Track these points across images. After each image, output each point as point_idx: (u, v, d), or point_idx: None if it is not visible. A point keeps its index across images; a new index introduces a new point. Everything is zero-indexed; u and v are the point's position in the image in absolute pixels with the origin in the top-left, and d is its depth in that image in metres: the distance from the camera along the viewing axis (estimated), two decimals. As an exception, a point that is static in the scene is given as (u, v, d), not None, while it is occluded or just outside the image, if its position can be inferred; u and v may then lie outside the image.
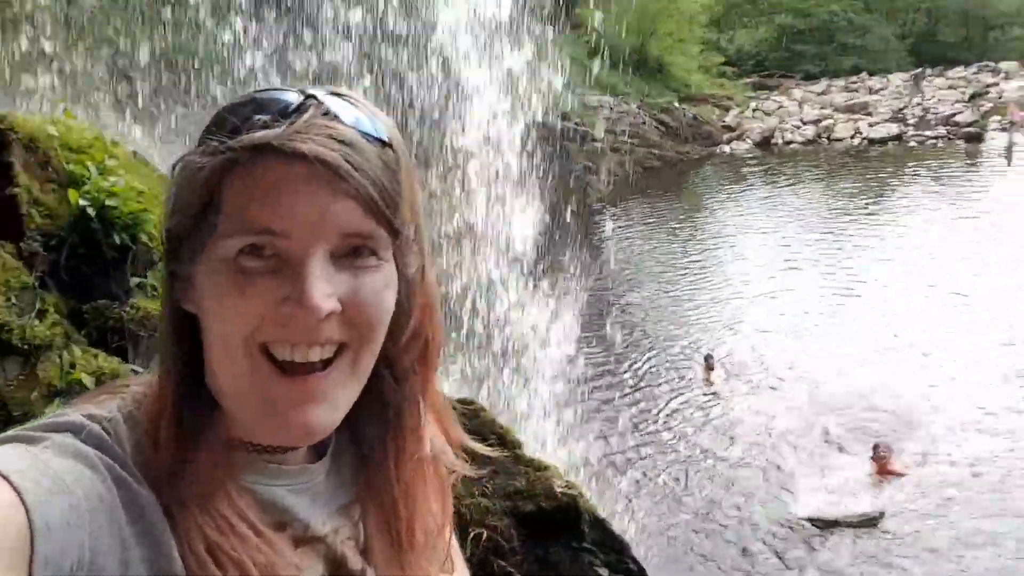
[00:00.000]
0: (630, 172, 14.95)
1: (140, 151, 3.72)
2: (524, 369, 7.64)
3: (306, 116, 0.63)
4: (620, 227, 14.88)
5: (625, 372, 9.88)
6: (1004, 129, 20.27)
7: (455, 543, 0.89)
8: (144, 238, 2.91)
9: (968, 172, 18.06)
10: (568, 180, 11.23)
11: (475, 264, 7.63)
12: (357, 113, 0.66)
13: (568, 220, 11.03)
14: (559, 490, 3.12)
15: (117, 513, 0.59)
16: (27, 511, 0.52)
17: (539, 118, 8.50)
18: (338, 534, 0.76)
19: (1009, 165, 18.23)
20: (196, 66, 9.59)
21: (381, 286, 0.67)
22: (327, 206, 0.63)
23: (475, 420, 3.12)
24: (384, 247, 0.67)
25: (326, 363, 0.65)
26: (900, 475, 7.41)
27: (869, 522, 6.96)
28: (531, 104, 8.24)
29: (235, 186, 0.63)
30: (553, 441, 7.02)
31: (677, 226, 15.63)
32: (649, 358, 10.22)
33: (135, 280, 2.76)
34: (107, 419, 0.64)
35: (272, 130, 0.62)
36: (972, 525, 6.74)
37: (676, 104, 21.01)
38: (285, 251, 0.63)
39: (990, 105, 21.13)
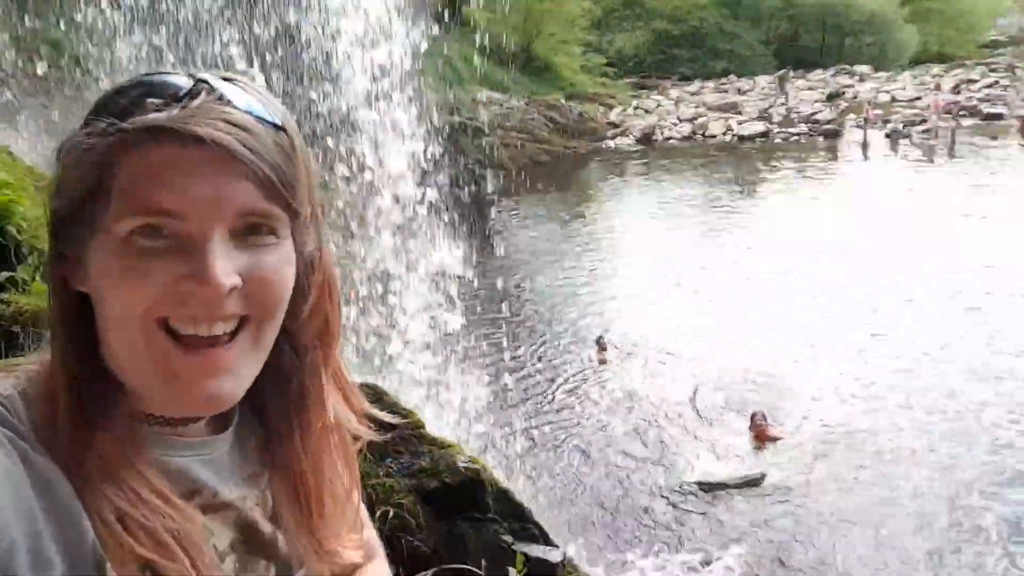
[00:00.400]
0: (521, 166, 15.25)
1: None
2: (421, 355, 7.71)
3: (199, 100, 0.64)
4: (513, 219, 15.15)
5: (522, 356, 10.13)
6: (859, 127, 22.08)
7: (363, 508, 0.92)
8: (13, 231, 2.78)
9: (828, 165, 19.59)
10: (461, 174, 11.35)
11: (370, 257, 7.62)
12: (249, 98, 0.67)
13: (462, 213, 11.16)
14: (462, 466, 3.22)
15: (24, 488, 0.58)
16: None
17: (430, 113, 8.57)
18: (247, 501, 0.76)
19: (865, 159, 19.90)
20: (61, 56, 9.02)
21: (280, 262, 0.68)
22: (224, 187, 0.63)
23: (377, 403, 3.18)
24: (282, 226, 0.68)
25: (229, 336, 0.66)
26: (776, 439, 8.01)
27: (751, 483, 7.51)
28: (420, 99, 8.29)
29: (127, 167, 0.63)
30: (453, 421, 7.12)
31: (567, 217, 16.08)
32: (544, 341, 10.52)
33: (3, 275, 2.64)
34: (4, 396, 0.64)
35: (165, 113, 0.63)
36: (843, 482, 7.43)
37: (563, 101, 21.59)
38: (184, 232, 0.63)
39: (846, 105, 22.94)
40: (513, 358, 9.84)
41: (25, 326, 2.51)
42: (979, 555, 6.33)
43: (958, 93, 24.57)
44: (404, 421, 3.21)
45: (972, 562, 6.28)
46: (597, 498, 7.44)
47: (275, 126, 0.67)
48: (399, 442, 3.18)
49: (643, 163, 20.35)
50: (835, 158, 20.23)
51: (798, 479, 7.50)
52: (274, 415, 0.78)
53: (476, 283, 10.73)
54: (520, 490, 6.43)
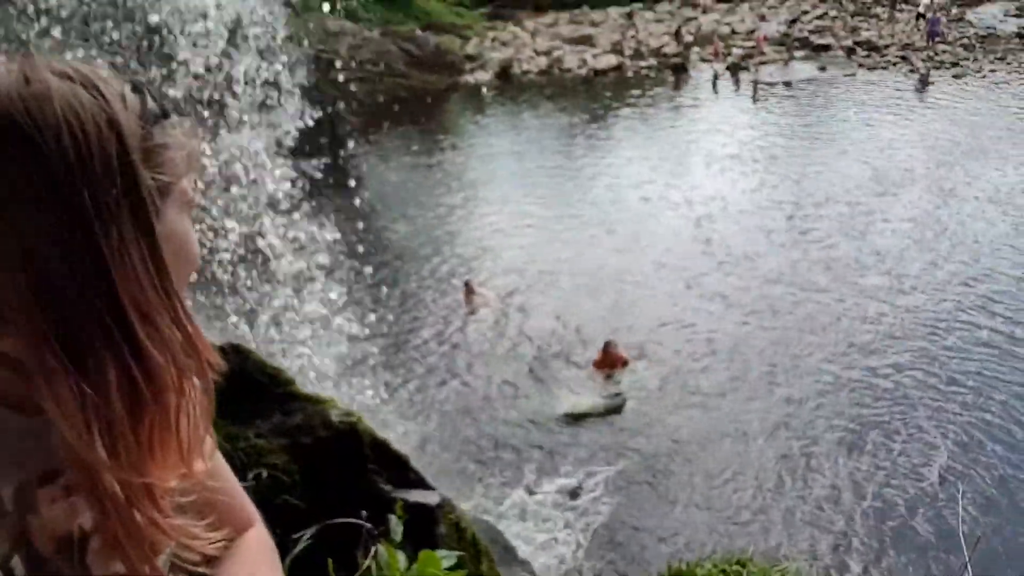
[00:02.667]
0: (378, 102, 14.81)
1: None
2: (287, 309, 7.53)
3: None
4: (371, 158, 14.80)
5: (389, 299, 10.11)
6: (704, 60, 23.08)
7: (231, 474, 0.94)
8: None
9: (676, 97, 20.45)
10: (314, 111, 10.86)
11: (225, 207, 7.24)
12: None
13: (320, 153, 10.78)
14: (337, 419, 3.23)
15: None
16: None
17: (276, 46, 8.09)
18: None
19: (715, 93, 20.87)
20: None
21: None
22: None
23: (247, 363, 3.11)
24: None
25: None
26: (627, 363, 8.56)
27: (613, 411, 8.04)
28: (264, 31, 7.81)
29: None
30: (328, 373, 7.08)
31: (428, 155, 15.91)
32: (411, 284, 10.54)
33: None
34: None
35: None
36: (685, 397, 8.12)
37: (419, 32, 20.99)
38: None
39: (691, 38, 23.83)
40: (377, 301, 9.81)
41: None
42: (822, 457, 7.20)
43: (792, 25, 26.10)
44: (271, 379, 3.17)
45: (822, 458, 7.14)
46: (471, 436, 7.72)
47: None
48: (269, 401, 3.15)
49: (502, 98, 20.35)
50: (681, 92, 21.12)
51: (655, 402, 8.12)
52: None
53: (334, 225, 10.49)
54: (397, 435, 6.57)
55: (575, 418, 7.89)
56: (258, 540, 0.95)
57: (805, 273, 10.61)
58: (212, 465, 0.88)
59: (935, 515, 6.32)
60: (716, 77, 21.50)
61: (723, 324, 9.48)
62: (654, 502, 6.79)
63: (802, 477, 6.93)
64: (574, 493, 6.89)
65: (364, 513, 1.99)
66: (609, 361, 8.50)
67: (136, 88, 0.72)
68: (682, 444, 7.48)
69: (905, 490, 6.67)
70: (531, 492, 6.88)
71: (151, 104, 0.72)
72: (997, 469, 6.77)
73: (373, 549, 1.87)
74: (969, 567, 1.93)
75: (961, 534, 4.36)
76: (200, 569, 0.84)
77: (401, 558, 1.84)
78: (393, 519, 1.91)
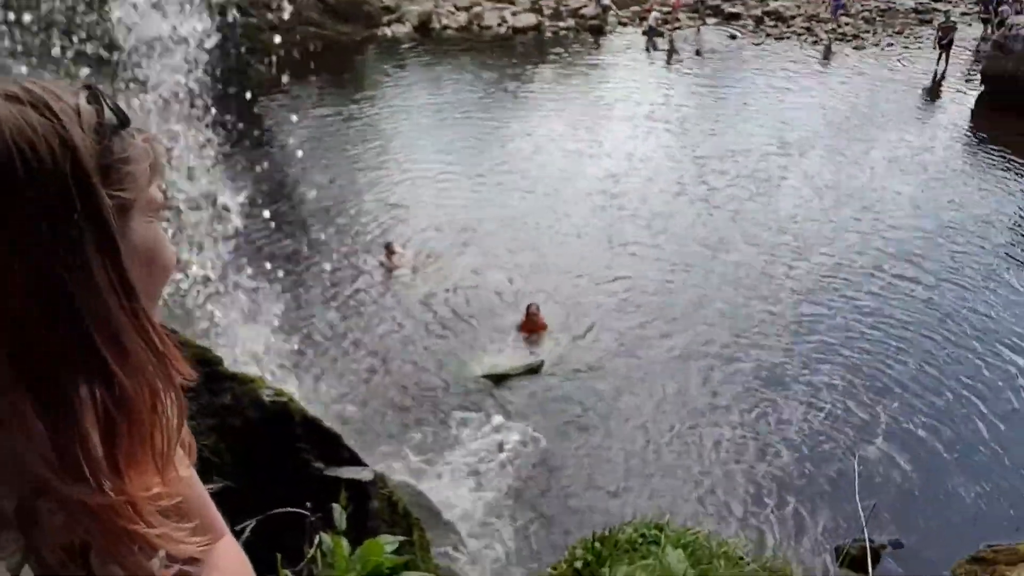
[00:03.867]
0: (291, 53, 14.19)
1: None
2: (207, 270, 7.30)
3: None
4: (283, 112, 14.26)
5: (304, 263, 9.90)
6: (624, 24, 23.19)
7: (204, 491, 0.95)
8: None
9: (594, 58, 20.54)
10: (227, 62, 10.35)
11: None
12: None
13: (233, 106, 10.31)
14: (268, 399, 3.21)
15: None
16: None
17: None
18: None
19: (648, 53, 20.98)
20: None
21: None
22: None
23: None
24: None
25: None
26: (545, 328, 8.75)
27: (532, 370, 8.23)
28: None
29: None
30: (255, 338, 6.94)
31: (344, 109, 15.45)
32: (328, 243, 10.33)
33: None
34: None
35: None
36: (602, 354, 8.41)
37: (332, -20, 20.10)
38: None
39: (609, 1, 23.83)
40: (290, 268, 9.59)
41: None
42: (732, 415, 7.63)
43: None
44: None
45: (741, 398, 7.56)
46: (392, 398, 7.75)
47: None
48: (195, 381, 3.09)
49: (420, 52, 19.87)
50: (599, 52, 21.22)
51: (573, 361, 8.36)
52: None
53: (248, 186, 10.16)
54: (324, 408, 6.52)
55: (496, 379, 8.04)
56: (233, 548, 0.97)
57: (716, 230, 11.07)
58: (188, 474, 0.90)
59: (839, 472, 6.85)
60: (650, 37, 21.62)
61: (639, 280, 9.80)
62: (574, 459, 7.05)
63: (713, 435, 7.34)
64: (496, 450, 7.07)
65: (308, 504, 2.01)
66: (532, 323, 8.66)
67: (92, 98, 0.70)
68: (599, 402, 7.76)
69: (811, 447, 7.19)
70: (453, 450, 7.02)
71: (108, 115, 0.70)
72: (900, 423, 7.39)
73: (317, 538, 1.91)
74: (866, 530, 2.14)
75: (858, 496, 4.74)
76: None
77: (345, 545, 1.89)
78: (337, 509, 1.95)
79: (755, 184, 12.56)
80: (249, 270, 8.40)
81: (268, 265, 8.87)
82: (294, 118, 13.32)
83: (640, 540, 2.87)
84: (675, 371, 8.22)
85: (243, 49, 13.26)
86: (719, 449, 7.17)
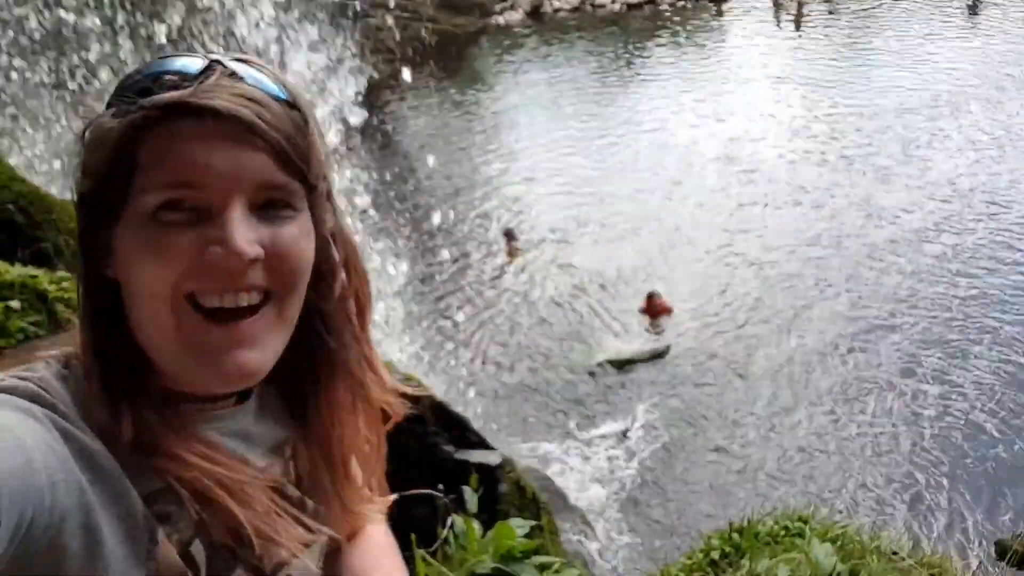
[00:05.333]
0: (406, 48, 14.55)
1: None
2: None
3: (213, 77, 0.66)
4: (408, 107, 14.64)
5: (426, 252, 10.12)
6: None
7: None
8: None
9: (716, 29, 19.70)
10: (348, 56, 10.73)
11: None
12: (260, 75, 0.69)
13: (353, 99, 10.67)
14: (397, 379, 3.29)
15: (69, 462, 0.60)
16: None
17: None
18: (274, 468, 0.79)
19: (776, 15, 19.94)
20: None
21: (298, 235, 0.70)
22: (241, 158, 0.66)
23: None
24: (298, 199, 0.70)
25: (253, 309, 0.68)
26: (670, 311, 8.50)
27: (658, 356, 8.04)
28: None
29: (148, 145, 0.65)
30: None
31: (462, 101, 15.66)
32: (450, 235, 10.51)
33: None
34: (38, 378, 0.65)
35: (182, 90, 0.65)
36: (729, 342, 8.07)
37: (446, -27, 20.40)
38: (205, 202, 0.65)
39: None
40: (413, 255, 9.81)
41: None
42: (870, 405, 7.13)
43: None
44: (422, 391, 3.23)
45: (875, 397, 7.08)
46: (515, 383, 7.80)
47: (288, 103, 0.70)
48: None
49: (533, 38, 19.82)
50: (719, 22, 20.32)
51: (699, 348, 8.09)
52: (304, 387, 0.81)
53: (367, 179, 10.46)
54: (448, 392, 6.65)
55: (620, 364, 7.91)
56: (381, 529, 1.00)
57: (862, 199, 10.34)
58: None
59: (997, 462, 6.26)
60: (778, 5, 20.53)
61: (771, 258, 9.31)
62: (702, 448, 6.83)
63: (855, 425, 6.88)
64: (621, 437, 6.96)
65: (440, 486, 2.02)
66: (653, 310, 8.46)
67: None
68: (729, 389, 7.47)
69: (965, 436, 6.59)
70: (578, 437, 6.98)
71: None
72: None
73: (449, 520, 1.91)
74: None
75: None
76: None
77: (476, 527, 1.89)
78: (468, 491, 1.95)
79: (902, 145, 11.60)
80: (375, 258, 8.67)
81: (390, 253, 9.13)
82: (412, 111, 13.66)
83: (783, 532, 2.70)
84: (811, 356, 7.77)
85: (361, 47, 13.71)
86: (863, 439, 6.72)
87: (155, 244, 0.65)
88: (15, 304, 1.89)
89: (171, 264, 0.65)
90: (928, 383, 7.18)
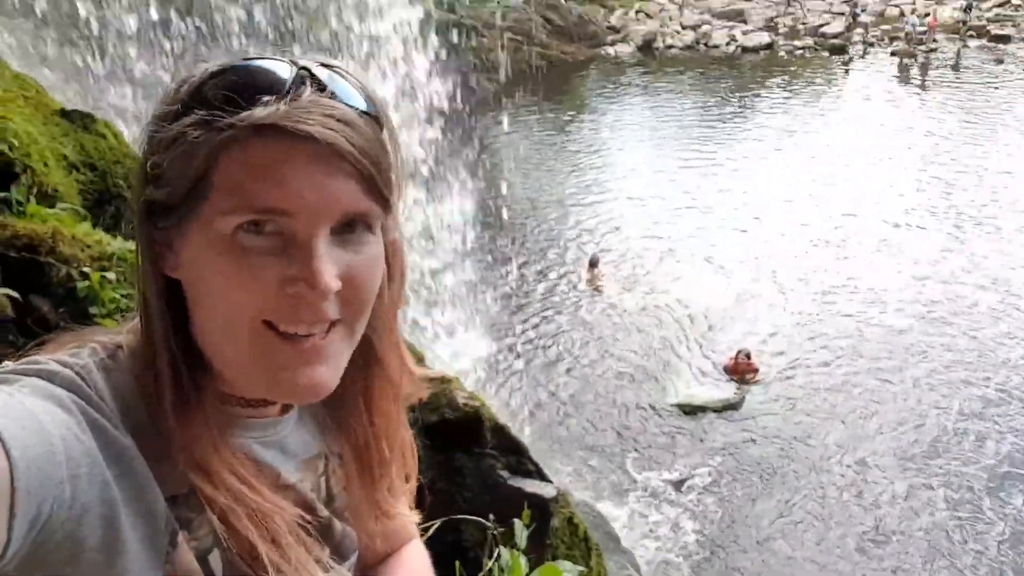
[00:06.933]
0: (516, 71, 14.78)
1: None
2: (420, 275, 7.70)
3: (305, 94, 0.63)
4: (510, 128, 14.84)
5: (512, 272, 10.16)
6: (870, 44, 21.33)
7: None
8: (4, 148, 2.67)
9: (834, 81, 19.14)
10: (458, 78, 10.97)
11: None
12: (350, 88, 0.66)
13: (460, 119, 10.89)
14: (462, 401, 3.25)
15: (94, 454, 0.59)
16: (5, 447, 0.51)
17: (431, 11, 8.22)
18: (305, 483, 0.78)
19: (900, 74, 19.25)
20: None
21: (373, 262, 0.68)
22: (330, 186, 0.63)
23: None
24: (378, 222, 0.68)
25: (324, 331, 0.67)
26: (756, 371, 8.16)
27: (731, 407, 7.76)
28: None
29: (233, 162, 0.62)
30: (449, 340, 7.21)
31: (563, 128, 15.76)
32: (536, 258, 10.54)
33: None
34: (80, 365, 0.64)
35: (274, 108, 0.61)
36: (808, 404, 7.71)
37: (563, 0, 20.73)
38: (289, 230, 0.63)
39: (870, 20, 22.06)
40: (496, 276, 9.86)
41: (21, 251, 2.45)
42: (952, 487, 6.67)
43: (968, 11, 23.79)
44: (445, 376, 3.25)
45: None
46: (579, 415, 7.68)
47: (374, 118, 0.67)
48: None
49: (642, 73, 19.77)
50: (836, 75, 19.75)
51: (775, 405, 7.76)
52: (343, 386, 0.78)
53: (462, 196, 10.60)
54: (511, 417, 6.62)
55: (690, 410, 7.68)
56: (419, 551, 0.98)
57: (967, 266, 9.84)
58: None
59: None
60: (901, 59, 19.89)
61: (863, 335, 8.85)
62: (764, 510, 6.51)
63: (925, 508, 6.43)
64: (679, 485, 6.74)
65: (491, 516, 1.97)
66: (739, 368, 8.13)
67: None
68: (803, 451, 7.12)
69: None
70: (634, 479, 6.79)
71: None
72: None
73: (496, 552, 1.86)
74: None
75: None
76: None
77: (523, 564, 1.82)
78: (519, 524, 1.88)
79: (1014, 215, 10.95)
80: (457, 279, 8.75)
81: (472, 275, 9.20)
82: (513, 133, 13.83)
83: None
84: (897, 425, 7.33)
85: (472, 64, 14.01)
86: (947, 528, 6.25)
87: (235, 270, 0.63)
88: (111, 276, 1.96)
89: (253, 296, 0.63)
90: (1008, 467, 6.63)
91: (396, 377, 0.81)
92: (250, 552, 0.68)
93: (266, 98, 0.62)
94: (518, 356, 8.50)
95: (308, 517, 0.74)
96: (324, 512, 0.79)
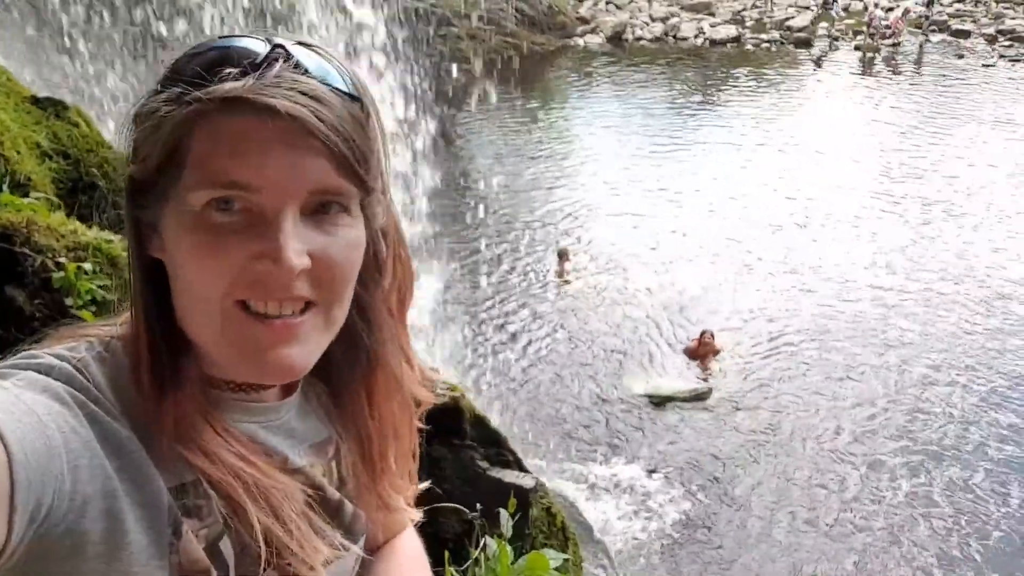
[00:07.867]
0: (484, 61, 14.72)
1: None
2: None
3: (275, 68, 0.62)
4: (475, 119, 14.78)
5: (480, 263, 10.15)
6: (835, 37, 21.64)
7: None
8: None
9: (800, 75, 19.42)
10: (425, 66, 10.89)
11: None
12: (326, 66, 0.65)
13: (426, 108, 10.81)
14: (441, 391, 3.27)
15: (93, 446, 0.59)
16: (3, 440, 0.51)
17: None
18: (314, 468, 0.78)
19: (862, 68, 19.58)
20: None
21: (350, 245, 0.67)
22: (298, 162, 0.62)
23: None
24: (354, 204, 0.67)
25: (299, 312, 0.67)
26: (718, 352, 8.31)
27: (699, 397, 7.86)
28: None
29: (201, 137, 0.62)
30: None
31: (533, 119, 15.75)
32: (504, 249, 10.53)
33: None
34: (77, 359, 0.64)
35: (242, 82, 0.61)
36: (776, 393, 7.85)
37: (532, -10, 20.66)
38: (256, 206, 0.62)
39: (844, 15, 22.36)
40: (466, 267, 9.84)
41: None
42: (916, 472, 6.86)
43: (930, 6, 24.27)
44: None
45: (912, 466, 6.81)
46: (549, 407, 7.72)
47: (351, 96, 0.66)
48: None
49: (612, 64, 19.84)
50: (802, 70, 20.03)
51: (742, 395, 7.89)
52: (344, 380, 0.80)
53: (431, 186, 10.54)
54: (484, 407, 6.62)
55: (658, 400, 7.77)
56: (412, 540, 0.98)
57: (934, 258, 10.11)
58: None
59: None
60: (864, 52, 20.23)
61: (829, 320, 9.05)
62: (734, 500, 6.63)
63: (888, 488, 6.61)
64: (649, 474, 6.83)
65: (479, 506, 1.98)
66: (703, 351, 8.27)
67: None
68: (770, 441, 7.26)
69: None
70: (603, 471, 6.86)
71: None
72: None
73: (483, 541, 1.87)
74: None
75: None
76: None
77: (510, 552, 1.84)
78: (504, 514, 1.90)
79: (983, 211, 11.25)
80: (426, 269, 8.72)
81: (442, 264, 9.17)
82: (482, 123, 13.78)
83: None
84: (864, 416, 7.50)
85: (440, 54, 13.91)
86: (911, 507, 6.43)
87: (204, 247, 0.63)
88: (87, 266, 1.92)
89: (221, 273, 0.63)
90: (984, 462, 6.85)
91: (400, 377, 0.81)
92: (263, 533, 0.68)
93: (235, 72, 0.61)
94: (483, 347, 8.51)
95: (311, 493, 0.74)
96: (335, 494, 0.79)
